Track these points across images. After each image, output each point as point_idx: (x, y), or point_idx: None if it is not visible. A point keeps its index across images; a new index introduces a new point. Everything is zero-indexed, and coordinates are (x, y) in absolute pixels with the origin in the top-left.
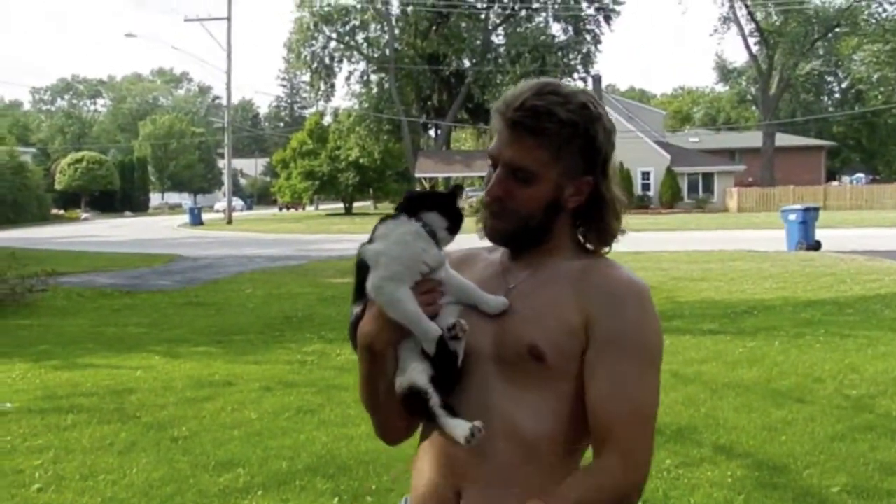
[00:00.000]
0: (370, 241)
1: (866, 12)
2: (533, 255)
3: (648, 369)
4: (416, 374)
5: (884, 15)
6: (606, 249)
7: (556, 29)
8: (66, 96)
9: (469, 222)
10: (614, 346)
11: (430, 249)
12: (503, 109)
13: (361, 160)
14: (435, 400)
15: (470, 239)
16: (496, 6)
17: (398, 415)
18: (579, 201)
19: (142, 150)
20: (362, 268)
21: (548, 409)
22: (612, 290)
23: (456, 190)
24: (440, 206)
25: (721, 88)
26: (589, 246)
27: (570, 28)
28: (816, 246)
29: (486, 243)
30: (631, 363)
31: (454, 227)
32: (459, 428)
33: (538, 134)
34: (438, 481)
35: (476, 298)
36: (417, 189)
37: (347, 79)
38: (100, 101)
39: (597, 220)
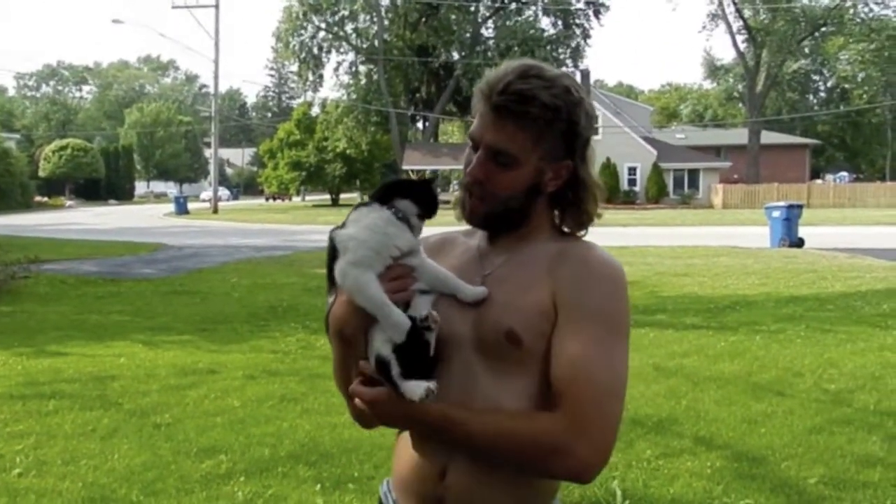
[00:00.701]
0: (342, 225)
1: (852, 11)
2: (510, 240)
3: (613, 343)
4: (379, 344)
5: (870, 14)
6: (583, 232)
7: (545, 23)
8: (52, 82)
9: (447, 211)
10: (578, 317)
11: (401, 235)
12: (487, 92)
13: (349, 151)
14: (396, 370)
15: (451, 228)
16: None
17: None
18: (558, 185)
19: (127, 138)
20: (333, 253)
21: (528, 391)
22: (583, 268)
23: (431, 178)
24: (413, 194)
25: (709, 85)
26: (565, 229)
27: (560, 22)
28: (799, 243)
29: (464, 227)
30: (595, 336)
31: (427, 213)
32: (416, 389)
33: (521, 118)
34: (422, 462)
35: (453, 287)
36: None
37: (336, 69)
38: (85, 88)
39: (575, 204)
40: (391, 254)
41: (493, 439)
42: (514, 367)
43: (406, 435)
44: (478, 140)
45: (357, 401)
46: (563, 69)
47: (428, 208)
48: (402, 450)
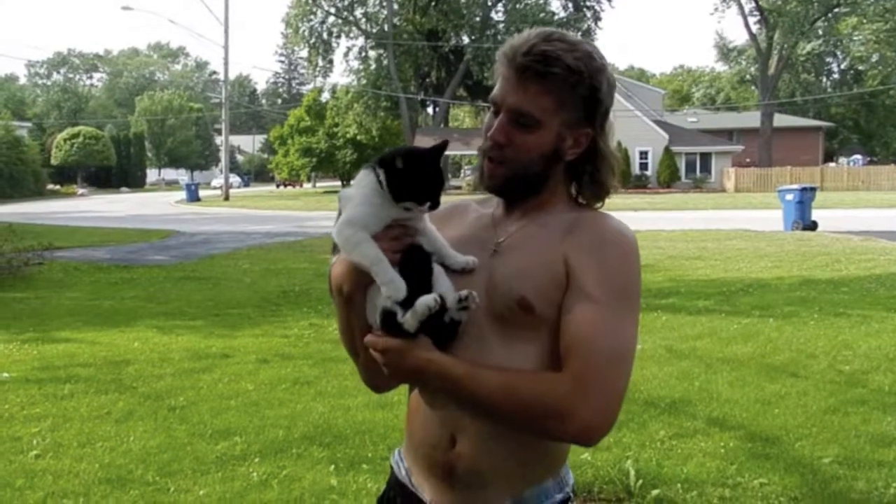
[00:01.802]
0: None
1: None
2: (526, 208)
3: (622, 310)
4: (382, 300)
5: None
6: (599, 204)
7: (555, 5)
8: (62, 70)
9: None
10: (590, 286)
11: (384, 204)
12: (510, 55)
13: (359, 137)
14: (400, 312)
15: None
16: None
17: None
18: (577, 153)
19: (138, 126)
20: (339, 214)
21: (540, 358)
22: (597, 237)
23: (437, 148)
24: (388, 169)
25: (721, 68)
26: (581, 200)
27: (571, 4)
28: (813, 226)
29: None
30: (604, 302)
31: (393, 194)
32: (421, 305)
33: (545, 79)
34: (433, 428)
35: (444, 255)
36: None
37: (346, 55)
38: (96, 76)
39: (592, 174)
40: (384, 217)
41: (496, 395)
42: (526, 334)
43: (415, 402)
44: (499, 103)
45: (371, 352)
46: None
47: (392, 188)
48: (413, 417)
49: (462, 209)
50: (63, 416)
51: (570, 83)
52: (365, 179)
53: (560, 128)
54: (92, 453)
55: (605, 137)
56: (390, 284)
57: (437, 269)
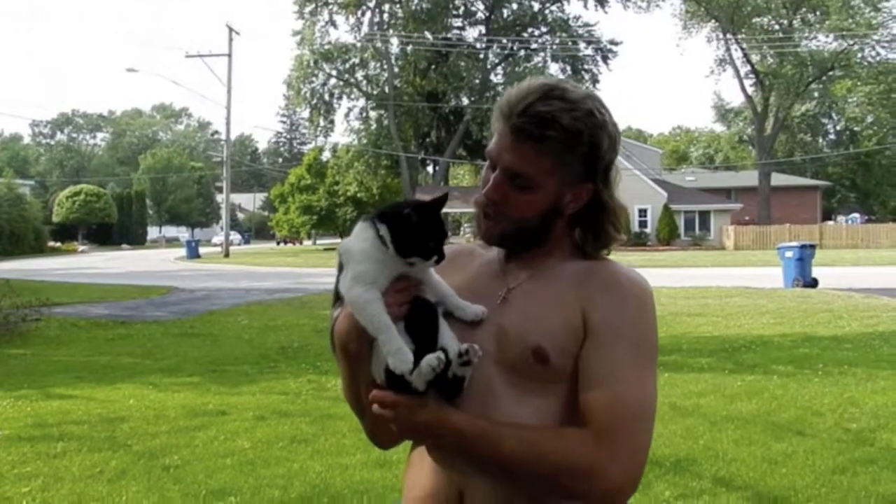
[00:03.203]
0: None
1: (860, 55)
2: (531, 256)
3: (642, 364)
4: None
5: (877, 58)
6: (605, 252)
7: (554, 69)
8: (66, 130)
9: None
10: (609, 339)
11: (386, 259)
12: (507, 112)
13: (359, 195)
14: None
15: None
16: (495, 46)
17: None
18: (578, 207)
19: (140, 184)
20: (340, 264)
21: (551, 410)
22: (613, 287)
23: (438, 200)
24: (392, 224)
25: (719, 128)
26: (587, 249)
27: (569, 67)
28: (813, 283)
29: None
30: (625, 356)
31: (397, 249)
32: (426, 366)
33: (541, 141)
34: (439, 485)
35: (453, 305)
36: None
37: (346, 115)
38: (99, 136)
39: (594, 226)
40: (390, 272)
41: (518, 454)
42: (538, 386)
43: (418, 456)
44: (495, 159)
45: (376, 407)
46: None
47: (397, 245)
48: (416, 472)
49: (466, 254)
50: (54, 476)
51: (568, 144)
52: (364, 233)
53: (558, 186)
54: None
55: (609, 189)
56: (396, 355)
57: (441, 322)
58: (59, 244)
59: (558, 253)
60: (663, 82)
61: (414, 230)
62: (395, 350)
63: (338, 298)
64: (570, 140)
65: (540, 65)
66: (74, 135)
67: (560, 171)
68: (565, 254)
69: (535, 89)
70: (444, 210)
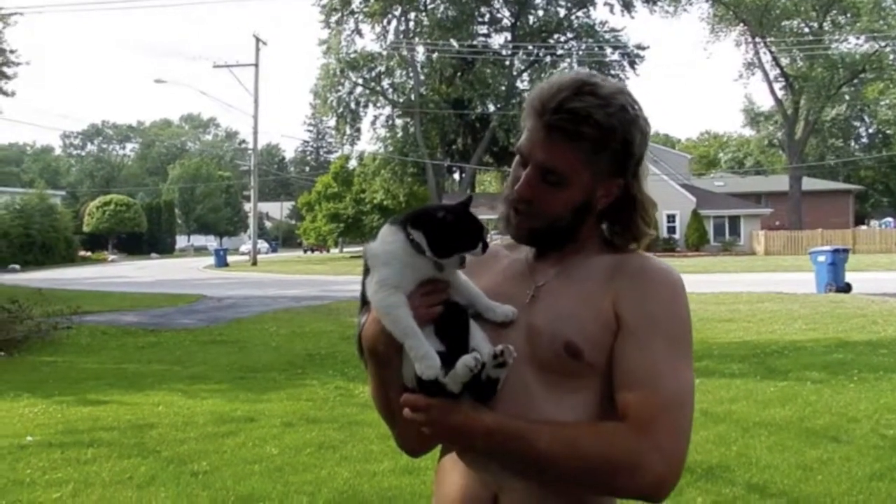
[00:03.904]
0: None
1: (892, 57)
2: (560, 254)
3: (677, 353)
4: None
5: None
6: (634, 246)
7: None
8: (96, 141)
9: None
10: (643, 330)
11: (415, 263)
12: (540, 109)
13: (386, 203)
14: (442, 374)
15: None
16: (521, 53)
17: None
18: (608, 202)
19: (169, 194)
20: (366, 268)
21: (588, 408)
22: (643, 278)
23: (464, 203)
24: (427, 227)
25: (749, 132)
26: (617, 242)
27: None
28: (847, 288)
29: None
30: (659, 347)
31: (435, 252)
32: (462, 367)
33: (574, 138)
34: (473, 490)
35: (482, 307)
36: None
37: (373, 123)
38: (129, 146)
39: (624, 220)
40: (417, 275)
41: (557, 452)
42: (573, 382)
43: (449, 461)
44: (526, 156)
45: (407, 411)
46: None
47: (436, 247)
48: (447, 476)
49: (492, 256)
50: (85, 482)
51: (602, 141)
52: (392, 236)
53: (590, 181)
54: None
55: (639, 184)
56: (423, 361)
57: (472, 324)
58: (89, 254)
59: (588, 248)
60: (691, 87)
61: (451, 229)
62: (423, 355)
63: (364, 303)
64: (604, 136)
65: (566, 70)
66: (105, 146)
67: (592, 167)
68: (595, 249)
69: (567, 85)
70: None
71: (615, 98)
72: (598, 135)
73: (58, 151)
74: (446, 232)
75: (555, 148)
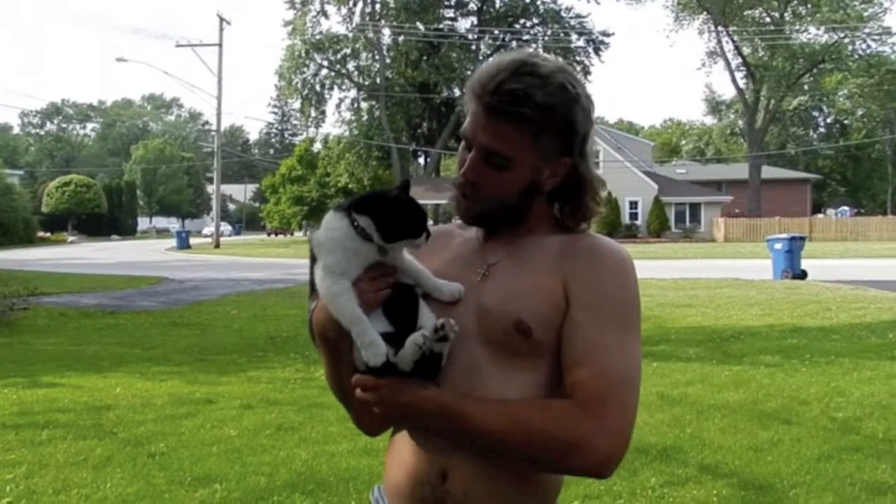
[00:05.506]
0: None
1: (850, 48)
2: (511, 234)
3: (625, 332)
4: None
5: (867, 51)
6: (585, 226)
7: None
8: (56, 120)
9: None
10: (592, 309)
11: (360, 250)
12: (479, 92)
13: (350, 186)
14: (391, 353)
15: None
16: (487, 37)
17: None
18: (556, 182)
19: (131, 175)
20: (313, 256)
21: (537, 387)
22: (593, 257)
23: (402, 186)
24: (374, 212)
25: (710, 121)
26: (566, 222)
27: (560, 59)
28: (802, 275)
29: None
30: (608, 326)
31: (384, 236)
32: (410, 345)
33: (515, 118)
34: (422, 464)
35: (430, 286)
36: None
37: (338, 106)
38: (89, 126)
39: (573, 199)
40: (362, 261)
41: (505, 430)
42: (522, 361)
43: (399, 438)
44: (470, 139)
45: (359, 392)
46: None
47: (386, 232)
48: (396, 453)
49: (444, 235)
50: (39, 463)
51: (543, 120)
52: (336, 223)
53: (535, 162)
54: (66, 500)
55: (586, 162)
56: (369, 349)
57: (421, 304)
58: (48, 235)
59: (538, 229)
60: (654, 75)
61: (397, 217)
62: (369, 342)
63: (314, 289)
64: (545, 116)
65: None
66: (64, 125)
67: (536, 147)
68: (545, 229)
69: (506, 66)
70: (436, 201)
71: (554, 76)
72: (538, 115)
73: (16, 130)
74: (394, 217)
75: (496, 130)
